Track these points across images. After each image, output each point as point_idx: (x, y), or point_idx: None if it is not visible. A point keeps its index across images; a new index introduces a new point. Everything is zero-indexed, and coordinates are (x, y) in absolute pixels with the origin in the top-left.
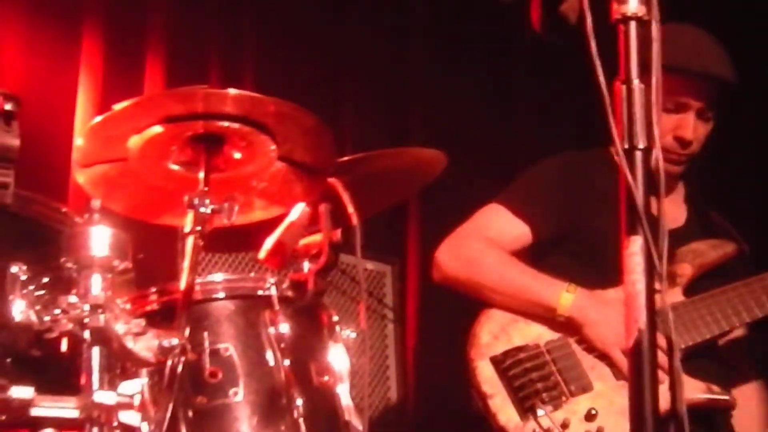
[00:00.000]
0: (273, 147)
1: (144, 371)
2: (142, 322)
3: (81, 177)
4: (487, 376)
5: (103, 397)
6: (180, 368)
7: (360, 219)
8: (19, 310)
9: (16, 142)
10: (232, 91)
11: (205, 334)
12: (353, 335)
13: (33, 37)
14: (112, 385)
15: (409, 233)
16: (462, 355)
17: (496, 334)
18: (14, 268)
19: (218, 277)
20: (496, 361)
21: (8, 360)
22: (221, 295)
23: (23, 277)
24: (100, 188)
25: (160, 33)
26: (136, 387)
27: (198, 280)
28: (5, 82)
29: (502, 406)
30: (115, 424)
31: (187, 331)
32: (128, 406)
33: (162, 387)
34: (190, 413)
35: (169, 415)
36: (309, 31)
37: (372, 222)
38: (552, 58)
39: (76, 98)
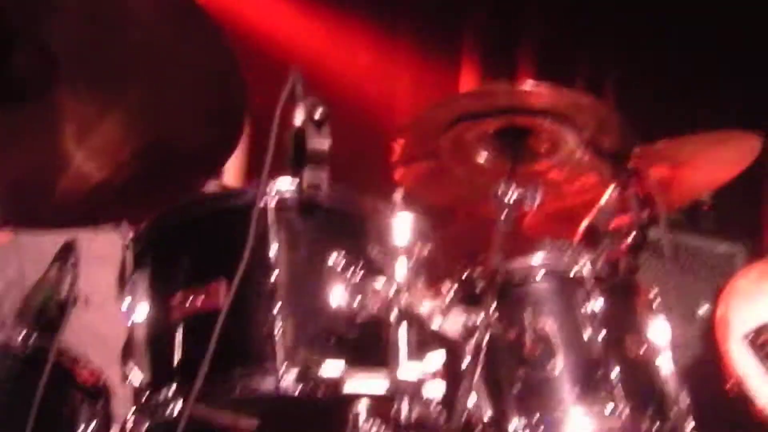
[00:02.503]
0: (575, 138)
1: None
2: (445, 302)
3: (399, 174)
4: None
5: (410, 371)
6: (484, 345)
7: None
8: (338, 295)
9: (325, 145)
10: (532, 86)
11: (525, 313)
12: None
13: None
14: (418, 360)
15: (763, 213)
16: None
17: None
18: (332, 259)
19: (536, 259)
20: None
21: (330, 342)
22: (540, 276)
23: (340, 266)
24: (415, 182)
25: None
26: (439, 361)
27: (517, 264)
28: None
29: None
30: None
31: (492, 310)
32: (433, 379)
33: (468, 362)
34: (515, 387)
35: (472, 388)
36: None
37: (722, 203)
38: None
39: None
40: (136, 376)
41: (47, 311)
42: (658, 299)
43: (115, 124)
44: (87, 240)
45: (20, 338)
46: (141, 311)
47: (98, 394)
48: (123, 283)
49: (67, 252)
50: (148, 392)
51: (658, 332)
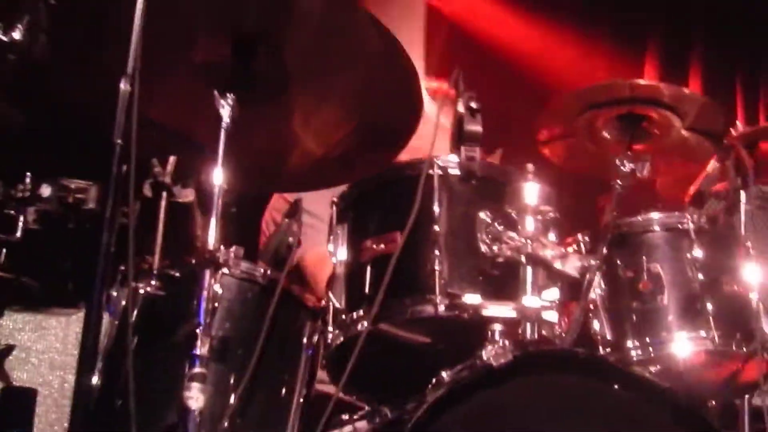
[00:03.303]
0: (679, 123)
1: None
2: (563, 249)
3: (546, 150)
4: None
5: (532, 301)
6: (594, 282)
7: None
8: (485, 242)
9: (479, 128)
10: (643, 81)
11: (641, 257)
12: None
13: None
14: (539, 294)
15: None
16: None
17: None
18: (482, 214)
19: (654, 215)
20: None
21: (477, 278)
22: (656, 228)
23: (488, 220)
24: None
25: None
26: (555, 295)
27: (639, 217)
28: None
29: None
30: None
31: (604, 253)
32: (550, 308)
33: (575, 294)
34: (631, 316)
35: (582, 317)
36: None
37: None
38: None
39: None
40: (337, 301)
41: (280, 252)
42: (752, 249)
43: (329, 112)
44: (308, 200)
45: (261, 272)
46: (341, 253)
47: (319, 314)
48: (330, 231)
49: (294, 208)
50: (344, 314)
51: (750, 274)
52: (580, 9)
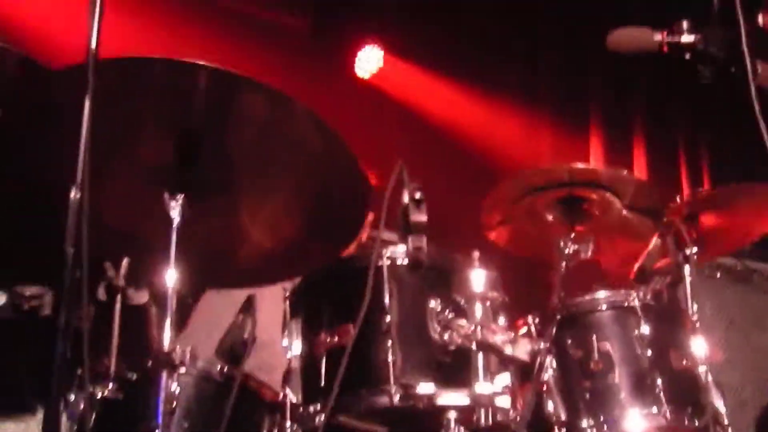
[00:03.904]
0: (619, 203)
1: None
2: (512, 334)
3: (491, 234)
4: None
5: (485, 388)
6: (545, 364)
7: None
8: (436, 331)
9: (424, 218)
10: (581, 165)
11: (592, 336)
12: None
13: None
14: (491, 380)
15: None
16: None
17: None
18: (431, 303)
19: (601, 294)
20: None
21: (430, 367)
22: (603, 306)
23: (438, 309)
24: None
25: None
26: (507, 380)
27: (586, 297)
28: None
29: None
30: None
31: (552, 337)
32: (503, 394)
33: (527, 378)
34: (583, 395)
35: (534, 400)
36: None
37: None
38: None
39: None
40: (294, 395)
41: (235, 348)
42: (698, 322)
43: (277, 206)
44: (259, 294)
45: (217, 369)
46: (296, 347)
47: (277, 408)
48: (284, 326)
49: (248, 304)
50: (301, 407)
51: (698, 348)
52: (524, 91)
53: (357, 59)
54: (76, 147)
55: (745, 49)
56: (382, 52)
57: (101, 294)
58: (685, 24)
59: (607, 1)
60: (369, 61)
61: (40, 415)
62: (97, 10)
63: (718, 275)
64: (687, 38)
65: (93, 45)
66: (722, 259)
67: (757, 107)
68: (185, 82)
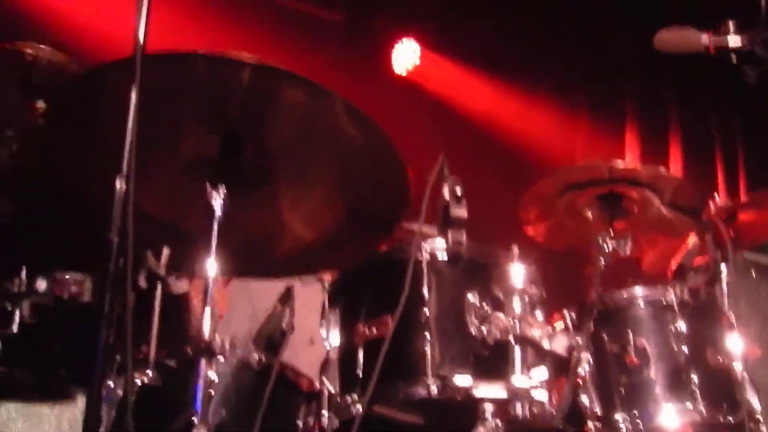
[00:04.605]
0: (658, 200)
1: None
2: (550, 328)
3: (530, 230)
4: None
5: (522, 381)
6: (581, 359)
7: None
8: (474, 324)
9: (464, 213)
10: (621, 163)
11: (627, 332)
12: None
13: None
14: (528, 372)
15: None
16: None
17: None
18: (470, 296)
19: (638, 291)
20: None
21: (468, 360)
22: (640, 302)
23: (476, 302)
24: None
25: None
26: (544, 374)
27: (623, 293)
28: None
29: None
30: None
31: (589, 332)
32: (539, 387)
33: (563, 371)
34: (619, 389)
35: (571, 394)
36: None
37: None
38: None
39: None
40: (331, 385)
41: (273, 338)
42: (734, 319)
43: (317, 199)
44: (298, 286)
45: (255, 358)
46: (334, 337)
47: (313, 397)
48: (323, 317)
49: (287, 295)
50: (338, 397)
51: (733, 345)
52: (561, 86)
53: (393, 55)
54: (121, 139)
55: None
56: (418, 47)
57: (142, 282)
58: (731, 25)
59: None
60: (406, 56)
61: (76, 400)
62: (145, 5)
63: (754, 273)
64: (733, 39)
65: (140, 38)
66: (756, 257)
67: None
68: (228, 76)
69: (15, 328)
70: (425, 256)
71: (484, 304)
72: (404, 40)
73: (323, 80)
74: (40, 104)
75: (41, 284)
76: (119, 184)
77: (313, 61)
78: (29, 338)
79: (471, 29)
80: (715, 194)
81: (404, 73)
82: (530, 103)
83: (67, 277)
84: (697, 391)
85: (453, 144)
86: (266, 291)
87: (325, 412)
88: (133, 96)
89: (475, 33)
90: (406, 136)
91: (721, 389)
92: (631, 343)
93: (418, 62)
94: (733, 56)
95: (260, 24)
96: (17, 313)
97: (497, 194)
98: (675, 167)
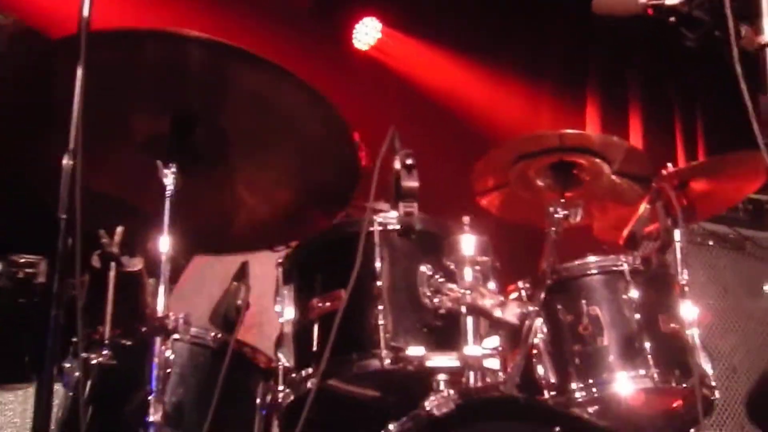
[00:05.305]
0: (608, 168)
1: (500, 332)
2: (501, 297)
3: (483, 201)
4: None
5: (474, 350)
6: (534, 327)
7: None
8: (426, 295)
9: (415, 184)
10: (571, 131)
11: (582, 300)
12: None
13: None
14: (480, 342)
15: None
16: None
17: None
18: (422, 268)
19: (591, 259)
20: None
21: (421, 330)
22: (592, 271)
23: (428, 273)
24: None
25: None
26: (496, 342)
27: (576, 262)
28: None
29: None
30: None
31: (542, 299)
32: (492, 356)
33: (517, 341)
34: (573, 358)
35: (523, 362)
36: None
37: None
38: None
39: None
40: (286, 360)
41: (229, 315)
42: (689, 287)
43: (273, 176)
44: (253, 261)
45: (211, 335)
46: (288, 313)
47: (271, 375)
48: (276, 292)
49: (242, 271)
50: (293, 373)
51: (686, 312)
52: (523, 61)
53: (355, 31)
54: (69, 115)
55: (729, 12)
56: (380, 25)
57: (95, 261)
58: None
59: None
60: (367, 33)
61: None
62: None
63: (711, 243)
64: (671, 0)
65: (85, 14)
66: (715, 227)
67: (739, 70)
68: (178, 54)
69: None
70: (377, 228)
71: (436, 275)
72: (366, 17)
73: (284, 58)
74: None
75: None
76: (66, 161)
77: (274, 40)
78: None
79: (431, 5)
80: (668, 163)
81: (365, 49)
82: (492, 79)
83: (22, 258)
84: (650, 358)
85: (414, 119)
86: (221, 267)
87: (280, 388)
88: (79, 73)
89: (435, 8)
90: (367, 112)
91: (673, 355)
92: (585, 311)
93: (379, 37)
94: (672, 18)
95: (220, 5)
96: None
97: (455, 168)
98: (635, 137)
